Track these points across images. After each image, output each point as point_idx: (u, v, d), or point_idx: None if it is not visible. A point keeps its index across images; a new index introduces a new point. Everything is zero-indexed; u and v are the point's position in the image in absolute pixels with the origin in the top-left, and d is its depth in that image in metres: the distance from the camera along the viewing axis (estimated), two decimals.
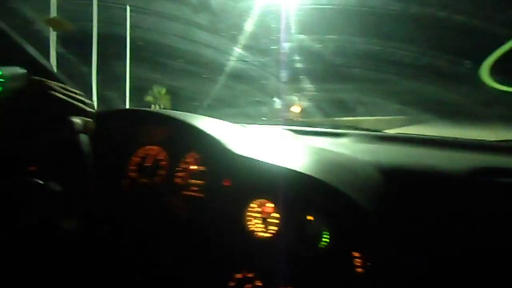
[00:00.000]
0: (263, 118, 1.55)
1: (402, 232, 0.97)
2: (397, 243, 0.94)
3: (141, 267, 1.11)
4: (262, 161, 1.01)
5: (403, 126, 1.55)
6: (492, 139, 1.34)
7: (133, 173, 1.37)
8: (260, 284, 1.00)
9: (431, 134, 1.46)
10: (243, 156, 1.04)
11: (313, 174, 0.96)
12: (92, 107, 0.96)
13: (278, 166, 0.99)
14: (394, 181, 1.06)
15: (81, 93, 0.94)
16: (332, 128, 1.60)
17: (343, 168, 1.08)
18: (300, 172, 0.97)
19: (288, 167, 0.99)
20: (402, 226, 0.98)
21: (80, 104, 0.90)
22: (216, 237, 1.04)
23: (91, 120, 0.92)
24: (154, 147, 1.37)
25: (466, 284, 0.93)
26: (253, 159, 1.03)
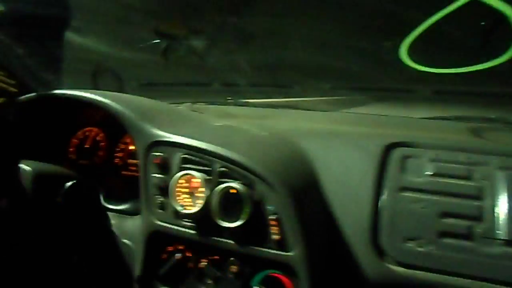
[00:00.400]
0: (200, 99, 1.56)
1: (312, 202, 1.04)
2: (308, 211, 0.99)
3: (79, 246, 1.14)
4: (186, 139, 1.05)
5: (340, 106, 1.61)
6: (416, 117, 1.41)
7: (73, 155, 1.38)
8: (189, 254, 1.05)
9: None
10: (169, 135, 1.07)
11: (235, 152, 1.00)
12: (15, 87, 0.97)
13: (203, 143, 1.03)
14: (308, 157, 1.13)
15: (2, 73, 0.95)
16: (268, 107, 1.66)
17: (262, 145, 1.14)
18: (223, 149, 1.01)
19: (212, 144, 1.03)
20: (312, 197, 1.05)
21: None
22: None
23: (10, 99, 0.93)
24: (93, 129, 1.38)
25: None
26: (178, 137, 1.06)
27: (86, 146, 1.36)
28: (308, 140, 1.18)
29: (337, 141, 1.19)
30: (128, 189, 1.26)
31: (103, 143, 1.35)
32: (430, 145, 1.09)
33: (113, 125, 1.26)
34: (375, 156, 1.08)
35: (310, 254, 0.94)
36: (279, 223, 0.95)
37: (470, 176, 1.01)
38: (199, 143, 1.04)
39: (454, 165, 1.03)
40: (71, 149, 1.38)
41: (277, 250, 0.95)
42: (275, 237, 0.95)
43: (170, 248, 1.08)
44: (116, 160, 1.33)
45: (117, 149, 1.33)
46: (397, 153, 1.08)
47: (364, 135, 1.21)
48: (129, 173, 1.29)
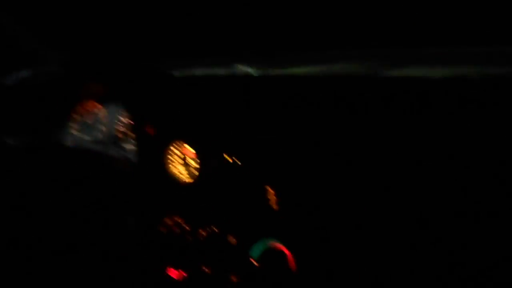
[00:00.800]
0: None
1: None
2: None
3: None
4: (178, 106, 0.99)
5: None
6: None
7: (76, 131, 1.36)
8: (187, 227, 1.00)
9: None
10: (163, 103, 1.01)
11: None
12: None
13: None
14: None
15: None
16: None
17: None
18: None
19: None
20: None
21: None
22: (144, 183, 1.03)
23: None
24: (93, 103, 1.34)
25: None
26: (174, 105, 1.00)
27: (87, 121, 1.33)
28: None
29: None
30: (126, 160, 1.22)
31: (104, 119, 1.31)
32: None
33: (112, 99, 1.22)
34: None
35: (311, 227, 0.86)
36: (277, 192, 0.87)
37: None
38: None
39: None
40: (72, 125, 1.35)
41: (275, 218, 0.88)
42: (274, 204, 0.88)
43: (169, 222, 1.03)
44: (118, 134, 1.29)
45: (118, 123, 1.29)
46: None
47: None
48: (127, 144, 1.23)
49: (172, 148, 0.98)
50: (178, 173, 0.97)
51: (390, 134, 0.79)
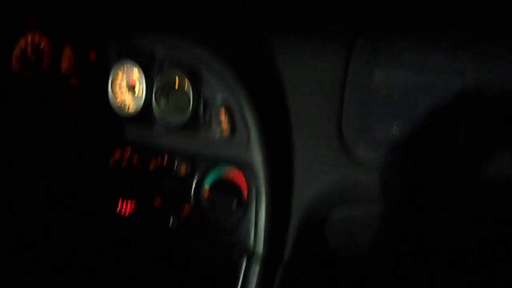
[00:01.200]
0: None
1: None
2: (263, 104, 0.86)
3: None
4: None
5: None
6: None
7: (16, 67, 1.25)
8: (136, 159, 0.94)
9: None
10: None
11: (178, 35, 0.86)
12: None
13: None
14: None
15: None
16: None
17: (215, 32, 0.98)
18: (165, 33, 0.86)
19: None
20: None
21: None
22: (89, 116, 0.96)
23: None
24: (36, 34, 1.23)
25: None
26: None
27: (29, 55, 1.21)
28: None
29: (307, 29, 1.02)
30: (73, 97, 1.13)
31: (47, 50, 1.20)
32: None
33: (56, 29, 1.11)
34: (343, 40, 0.91)
35: (265, 149, 0.82)
36: (230, 113, 0.82)
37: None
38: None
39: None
40: (13, 60, 1.24)
41: (227, 143, 0.83)
42: (225, 129, 0.82)
43: (118, 155, 0.96)
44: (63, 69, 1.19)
45: (62, 57, 1.18)
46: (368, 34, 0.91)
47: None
48: (72, 80, 1.14)
49: (117, 74, 0.90)
50: (125, 103, 0.90)
51: None
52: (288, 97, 0.86)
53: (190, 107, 0.82)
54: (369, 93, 0.84)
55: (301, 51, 0.87)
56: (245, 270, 0.83)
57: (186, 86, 0.82)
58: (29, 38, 1.22)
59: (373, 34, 0.84)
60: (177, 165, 0.88)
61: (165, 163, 0.89)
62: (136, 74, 0.88)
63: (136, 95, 0.88)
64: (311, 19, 0.92)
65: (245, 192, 0.82)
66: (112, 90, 0.89)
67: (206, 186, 0.86)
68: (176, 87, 0.84)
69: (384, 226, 0.81)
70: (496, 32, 0.75)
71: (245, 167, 0.83)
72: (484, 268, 0.77)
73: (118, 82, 0.89)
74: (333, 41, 0.88)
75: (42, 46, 1.20)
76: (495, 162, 0.74)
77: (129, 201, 0.91)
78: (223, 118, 0.81)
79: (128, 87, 0.89)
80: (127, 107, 0.89)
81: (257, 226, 0.81)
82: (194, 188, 0.87)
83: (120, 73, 0.89)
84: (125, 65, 0.89)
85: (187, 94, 0.82)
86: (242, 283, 0.83)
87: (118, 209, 0.91)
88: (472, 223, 0.77)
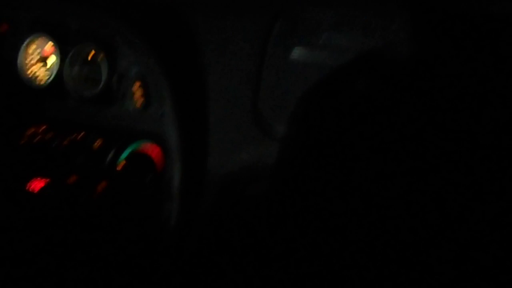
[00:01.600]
0: None
1: None
2: (179, 77, 0.86)
3: None
4: None
5: None
6: None
7: None
8: (50, 135, 0.91)
9: None
10: None
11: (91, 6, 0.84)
12: None
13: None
14: None
15: None
16: None
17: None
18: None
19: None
20: None
21: None
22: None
23: None
24: None
25: None
26: None
27: None
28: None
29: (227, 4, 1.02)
30: None
31: None
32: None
33: None
34: (263, 18, 0.94)
35: (180, 123, 0.82)
36: (144, 86, 0.81)
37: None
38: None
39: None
40: None
41: (142, 117, 0.83)
42: (139, 102, 0.82)
43: (30, 130, 0.93)
44: None
45: None
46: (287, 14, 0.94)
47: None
48: None
49: (29, 47, 0.86)
50: (35, 75, 0.87)
51: None
52: (205, 72, 0.87)
53: (103, 80, 0.81)
54: (285, 71, 0.87)
55: (219, 26, 0.88)
56: (159, 244, 0.82)
57: (99, 58, 0.81)
58: None
59: (292, 14, 0.87)
60: (91, 139, 0.86)
61: (79, 137, 0.87)
62: (49, 47, 0.85)
63: (48, 66, 0.85)
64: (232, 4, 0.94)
65: (159, 166, 0.82)
66: (23, 62, 0.86)
67: (121, 160, 0.85)
68: (89, 59, 0.82)
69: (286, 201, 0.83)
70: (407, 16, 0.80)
71: (160, 141, 0.82)
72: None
73: (29, 54, 0.86)
74: (253, 19, 0.90)
75: None
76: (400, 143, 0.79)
77: (41, 178, 0.88)
78: (137, 90, 0.81)
79: (40, 59, 0.86)
80: (38, 79, 0.86)
81: (170, 200, 0.81)
82: (109, 163, 0.85)
83: (33, 46, 0.86)
84: (39, 38, 0.86)
85: (100, 66, 0.81)
86: (156, 256, 0.82)
87: (27, 186, 0.87)
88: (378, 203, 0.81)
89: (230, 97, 0.88)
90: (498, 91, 0.70)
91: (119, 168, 0.83)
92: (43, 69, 0.86)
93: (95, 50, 0.82)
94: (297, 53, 0.89)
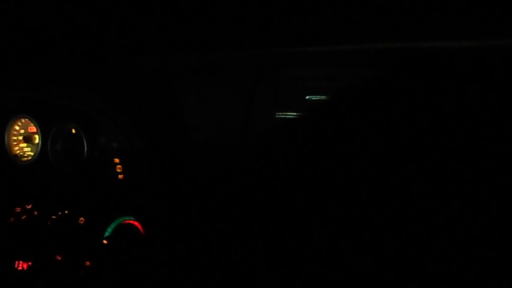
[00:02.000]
0: None
1: None
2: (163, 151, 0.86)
3: None
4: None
5: None
6: None
7: None
8: (36, 213, 0.90)
9: None
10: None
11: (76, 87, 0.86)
12: None
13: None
14: None
15: None
16: None
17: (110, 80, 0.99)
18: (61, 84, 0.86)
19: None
20: None
21: None
22: None
23: None
24: None
25: None
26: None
27: None
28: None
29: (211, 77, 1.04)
30: None
31: None
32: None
33: None
34: (246, 85, 0.94)
35: (159, 198, 0.81)
36: (123, 162, 0.81)
37: None
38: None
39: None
40: None
41: (123, 192, 0.82)
42: (120, 176, 0.82)
43: (17, 209, 0.93)
44: None
45: None
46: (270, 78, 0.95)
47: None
48: None
49: (13, 127, 0.88)
50: (20, 153, 0.88)
51: None
52: (189, 140, 0.88)
53: (85, 155, 0.81)
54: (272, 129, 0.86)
55: (204, 92, 0.89)
56: None
57: (81, 134, 0.82)
58: None
59: (276, 73, 0.88)
60: (75, 217, 0.85)
61: (63, 215, 0.86)
62: (32, 126, 0.86)
63: (32, 144, 0.86)
64: (216, 68, 0.95)
65: (143, 233, 0.81)
66: (9, 140, 0.87)
67: (107, 234, 0.83)
68: (71, 135, 0.83)
69: None
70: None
71: (140, 216, 0.81)
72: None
73: (14, 133, 0.88)
74: (237, 82, 0.91)
75: None
76: None
77: (29, 259, 0.87)
78: (117, 166, 0.81)
79: (24, 138, 0.87)
80: (23, 156, 0.87)
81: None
82: (96, 239, 0.84)
83: (16, 126, 0.88)
84: (22, 118, 0.87)
85: (82, 142, 0.81)
86: None
87: (16, 265, 0.86)
88: None
89: (216, 162, 0.87)
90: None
91: (105, 242, 0.82)
92: (28, 147, 0.87)
93: (76, 127, 0.82)
94: (282, 110, 0.89)
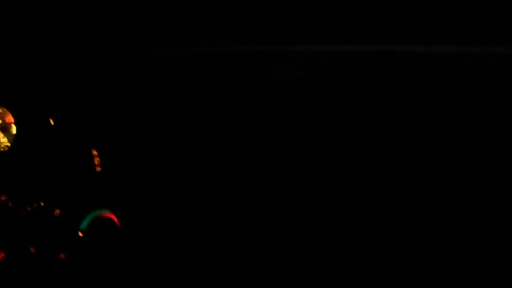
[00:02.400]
0: None
1: None
2: None
3: None
4: None
5: None
6: None
7: None
8: (11, 204, 0.89)
9: None
10: None
11: None
12: None
13: None
14: None
15: None
16: None
17: None
18: None
19: None
20: None
21: None
22: None
23: None
24: None
25: None
26: None
27: None
28: None
29: None
30: None
31: None
32: None
33: None
34: None
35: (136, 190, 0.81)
36: (101, 153, 0.81)
37: None
38: None
39: None
40: None
41: (99, 184, 0.82)
42: (98, 169, 0.81)
43: None
44: None
45: None
46: None
47: None
48: None
49: None
50: None
51: None
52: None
53: (61, 146, 0.81)
54: None
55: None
56: None
57: (58, 126, 0.81)
58: None
59: None
60: (51, 208, 0.85)
61: (38, 206, 0.85)
62: (10, 116, 0.85)
63: (9, 133, 0.85)
64: None
65: (119, 227, 0.81)
66: None
67: (82, 227, 0.83)
68: (49, 126, 0.82)
69: None
70: None
71: (117, 208, 0.81)
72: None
73: None
74: None
75: None
76: None
77: (1, 250, 0.85)
78: (96, 157, 0.81)
79: (1, 128, 0.86)
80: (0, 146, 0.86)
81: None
82: (71, 231, 0.84)
83: None
84: (1, 108, 0.86)
85: (59, 134, 0.81)
86: None
87: None
88: None
89: None
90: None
91: (80, 234, 0.82)
92: (5, 136, 0.86)
93: (54, 118, 0.82)
94: None
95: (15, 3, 0.74)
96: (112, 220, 0.81)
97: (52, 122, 0.84)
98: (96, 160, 0.80)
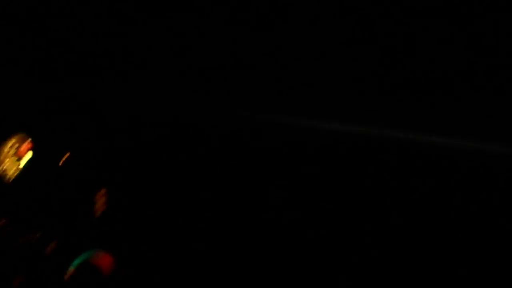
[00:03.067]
0: None
1: None
2: None
3: None
4: None
5: None
6: None
7: None
8: (10, 229, 0.87)
9: None
10: None
11: None
12: None
13: None
14: None
15: None
16: None
17: None
18: None
19: None
20: None
21: None
22: None
23: None
24: None
25: None
26: None
27: None
28: None
29: None
30: None
31: None
32: None
33: None
34: None
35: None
36: (107, 194, 0.81)
37: None
38: None
39: None
40: None
41: (99, 225, 0.80)
42: (100, 210, 0.80)
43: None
44: None
45: None
46: None
47: None
48: None
49: (7, 145, 0.89)
50: (7, 170, 0.87)
51: None
52: None
53: (70, 186, 0.81)
54: None
55: None
56: None
57: (68, 163, 0.82)
58: None
59: None
60: (46, 241, 0.83)
61: (34, 238, 0.84)
62: (25, 146, 0.87)
63: (20, 164, 0.86)
64: None
65: (106, 274, 0.78)
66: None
67: (71, 268, 0.80)
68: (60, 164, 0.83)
69: None
70: None
71: (113, 250, 0.79)
72: None
73: (6, 151, 0.87)
74: None
75: None
76: None
77: None
78: (100, 199, 0.80)
79: (17, 156, 0.87)
80: (8, 174, 0.86)
81: None
82: (58, 268, 0.81)
83: (10, 144, 0.88)
84: (18, 137, 0.88)
85: (68, 171, 0.81)
86: None
87: None
88: None
89: None
90: None
91: (66, 276, 0.79)
92: (16, 166, 0.86)
93: (66, 155, 0.83)
94: None
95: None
96: (99, 269, 0.79)
97: (67, 157, 0.84)
98: (101, 201, 0.80)
